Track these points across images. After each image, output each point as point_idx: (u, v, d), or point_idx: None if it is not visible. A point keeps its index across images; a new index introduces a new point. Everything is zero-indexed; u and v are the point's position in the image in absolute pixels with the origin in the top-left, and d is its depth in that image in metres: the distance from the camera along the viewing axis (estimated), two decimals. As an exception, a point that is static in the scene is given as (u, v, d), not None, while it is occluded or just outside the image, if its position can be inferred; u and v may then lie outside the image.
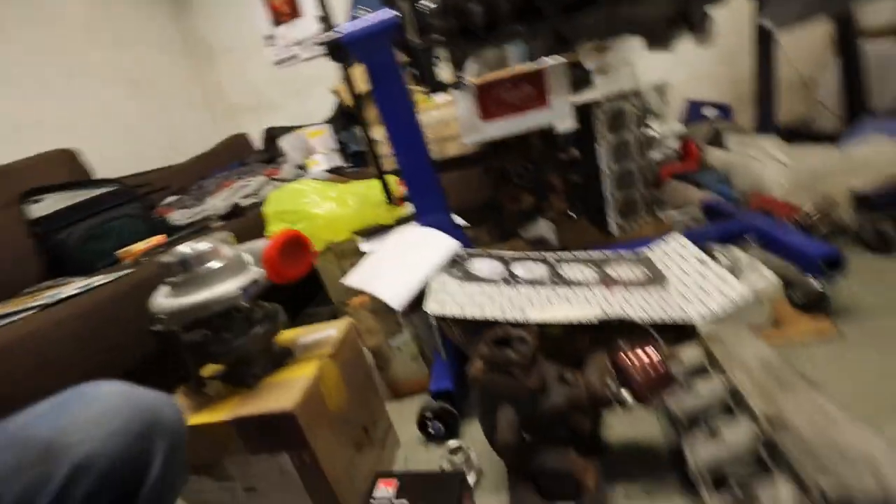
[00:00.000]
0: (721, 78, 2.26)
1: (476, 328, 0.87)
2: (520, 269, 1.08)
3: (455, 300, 0.95)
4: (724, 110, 2.14)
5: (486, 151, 1.69)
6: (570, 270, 1.08)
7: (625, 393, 0.68)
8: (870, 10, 1.84)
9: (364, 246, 1.32)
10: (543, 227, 1.47)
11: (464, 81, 1.19)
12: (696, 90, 2.27)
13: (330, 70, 2.44)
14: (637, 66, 2.32)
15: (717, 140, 1.91)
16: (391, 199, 1.20)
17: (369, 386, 0.92)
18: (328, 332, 0.88)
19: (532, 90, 1.32)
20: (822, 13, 1.51)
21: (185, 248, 0.71)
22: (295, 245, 0.76)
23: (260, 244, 0.77)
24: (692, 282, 0.97)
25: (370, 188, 1.37)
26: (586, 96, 1.51)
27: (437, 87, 1.14)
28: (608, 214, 1.59)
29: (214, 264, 0.71)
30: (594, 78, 1.83)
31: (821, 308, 0.97)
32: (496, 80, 1.32)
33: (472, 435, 0.95)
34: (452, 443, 0.86)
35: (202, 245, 0.71)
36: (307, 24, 2.48)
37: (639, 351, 0.69)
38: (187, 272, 0.70)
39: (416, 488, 0.71)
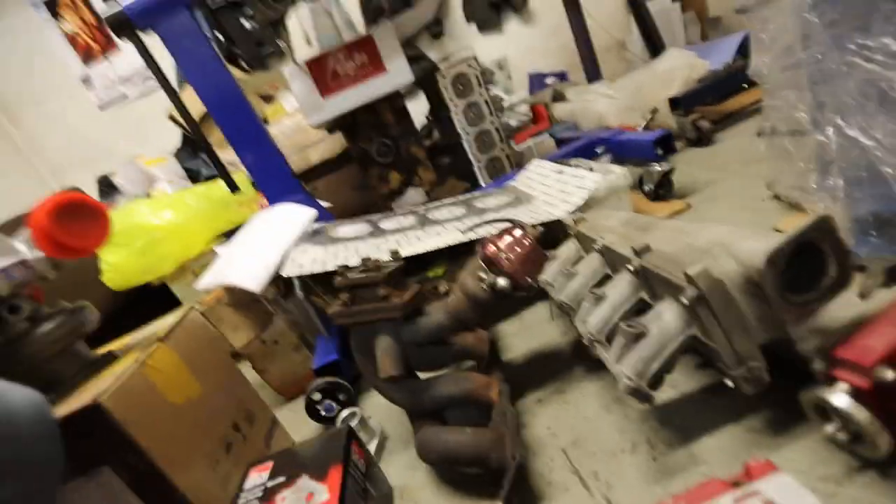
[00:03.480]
0: (552, 49, 2.47)
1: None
2: (388, 224, 1.01)
3: (316, 260, 0.85)
4: (562, 76, 2.34)
5: (346, 144, 1.62)
6: (439, 213, 1.03)
7: (500, 280, 0.62)
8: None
9: (220, 249, 1.16)
10: (413, 196, 1.42)
11: (282, 46, 1.12)
12: (534, 64, 2.45)
13: (167, 100, 2.23)
14: (477, 49, 2.45)
15: (560, 99, 2.05)
16: (233, 186, 1.06)
17: (233, 376, 0.77)
18: (164, 321, 0.72)
19: (366, 57, 1.29)
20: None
21: None
22: (78, 209, 0.60)
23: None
24: (554, 190, 0.97)
25: (212, 187, 1.22)
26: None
27: (256, 59, 1.05)
28: (477, 177, 1.60)
29: (-51, 251, 0.53)
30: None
31: (667, 188, 1.03)
32: (327, 54, 1.27)
33: (373, 401, 0.83)
34: (344, 412, 0.74)
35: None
36: (128, 59, 2.23)
37: (504, 236, 0.65)
38: None
39: (295, 461, 0.58)
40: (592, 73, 2.19)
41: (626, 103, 1.49)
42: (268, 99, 2.06)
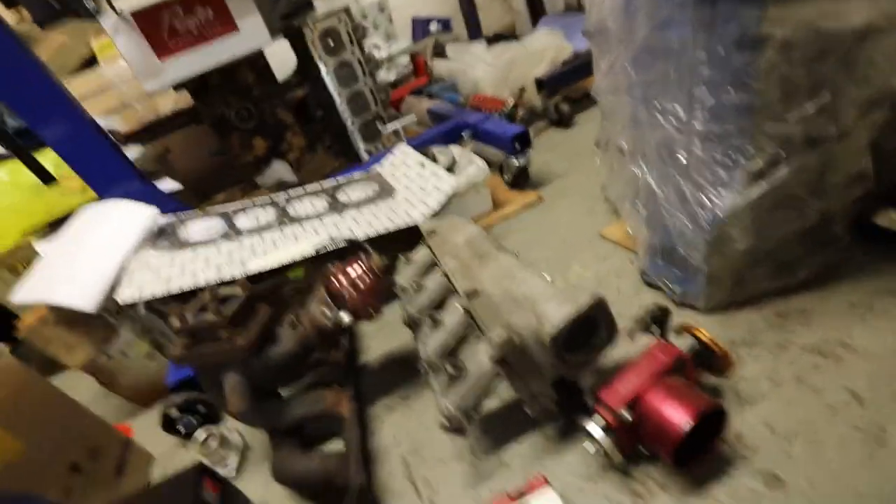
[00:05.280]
0: (436, -8, 2.33)
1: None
2: (243, 221, 0.96)
3: (160, 276, 0.79)
4: (445, 23, 2.24)
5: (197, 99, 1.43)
6: (301, 207, 1.00)
7: (343, 315, 0.65)
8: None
9: (43, 247, 1.01)
10: (279, 170, 1.35)
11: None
12: (417, 7, 2.31)
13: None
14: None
15: (441, 52, 1.99)
16: (46, 176, 0.90)
17: (68, 413, 0.72)
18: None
19: (211, 13, 1.11)
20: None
21: None
22: None
23: None
24: (416, 186, 0.99)
25: (14, 172, 1.02)
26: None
27: (45, 14, 0.85)
28: (354, 142, 1.54)
29: None
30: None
31: (523, 179, 1.11)
32: (158, 5, 1.07)
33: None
34: (200, 433, 0.75)
35: None
36: None
37: (347, 269, 0.67)
38: None
39: (140, 508, 0.59)
40: (472, 25, 2.14)
41: (500, 74, 1.50)
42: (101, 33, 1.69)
